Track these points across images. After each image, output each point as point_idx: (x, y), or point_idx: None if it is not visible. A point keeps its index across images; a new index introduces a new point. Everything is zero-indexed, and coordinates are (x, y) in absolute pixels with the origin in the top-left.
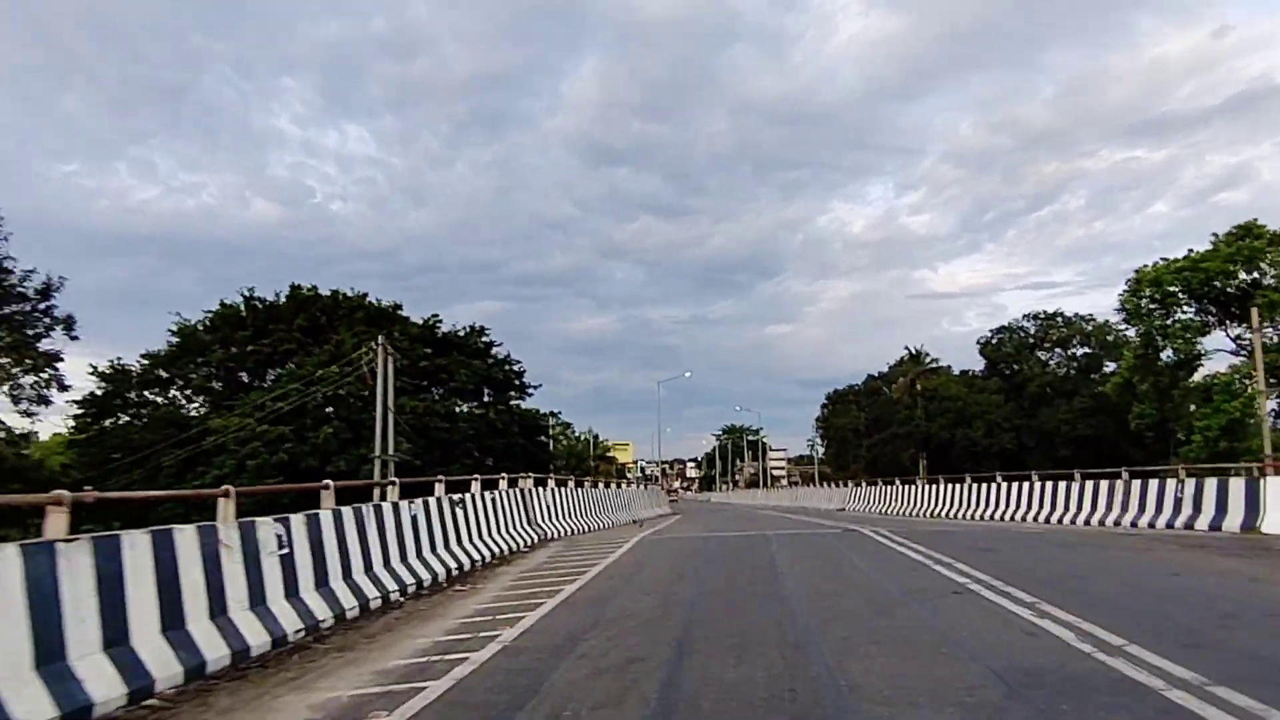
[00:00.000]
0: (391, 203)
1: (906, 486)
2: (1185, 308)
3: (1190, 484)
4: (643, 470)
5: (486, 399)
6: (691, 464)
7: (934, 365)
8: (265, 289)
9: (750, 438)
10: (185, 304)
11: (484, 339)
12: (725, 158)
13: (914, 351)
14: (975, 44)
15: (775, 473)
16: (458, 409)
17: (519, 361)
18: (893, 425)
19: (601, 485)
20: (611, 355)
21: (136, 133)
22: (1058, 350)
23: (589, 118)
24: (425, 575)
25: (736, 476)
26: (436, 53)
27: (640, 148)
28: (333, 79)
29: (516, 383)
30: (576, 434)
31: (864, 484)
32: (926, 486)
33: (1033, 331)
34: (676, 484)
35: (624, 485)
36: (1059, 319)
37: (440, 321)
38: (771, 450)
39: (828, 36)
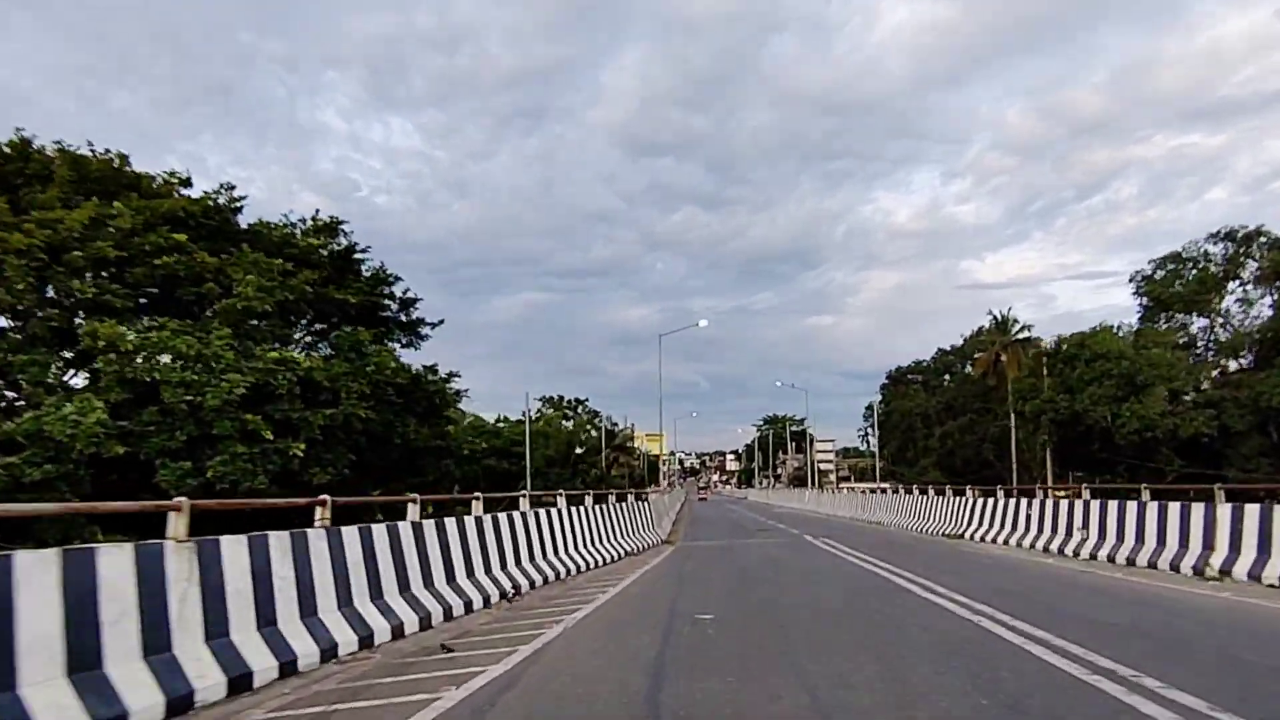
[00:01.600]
0: (435, 196)
1: (1083, 504)
2: None
3: None
4: (681, 462)
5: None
6: (731, 456)
7: (1025, 335)
8: None
9: (794, 428)
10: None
11: (338, 243)
12: (768, 148)
13: (999, 318)
14: (1024, 29)
15: (822, 466)
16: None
17: (396, 279)
18: (972, 410)
19: (587, 508)
20: (652, 346)
21: (188, 129)
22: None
23: (631, 110)
24: None
25: (779, 470)
26: (480, 46)
27: (683, 139)
28: (377, 73)
29: (397, 318)
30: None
31: (974, 494)
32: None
33: (1220, 259)
34: (714, 477)
35: (628, 499)
36: (1262, 238)
37: (241, 201)
38: (819, 441)
39: (872, 25)
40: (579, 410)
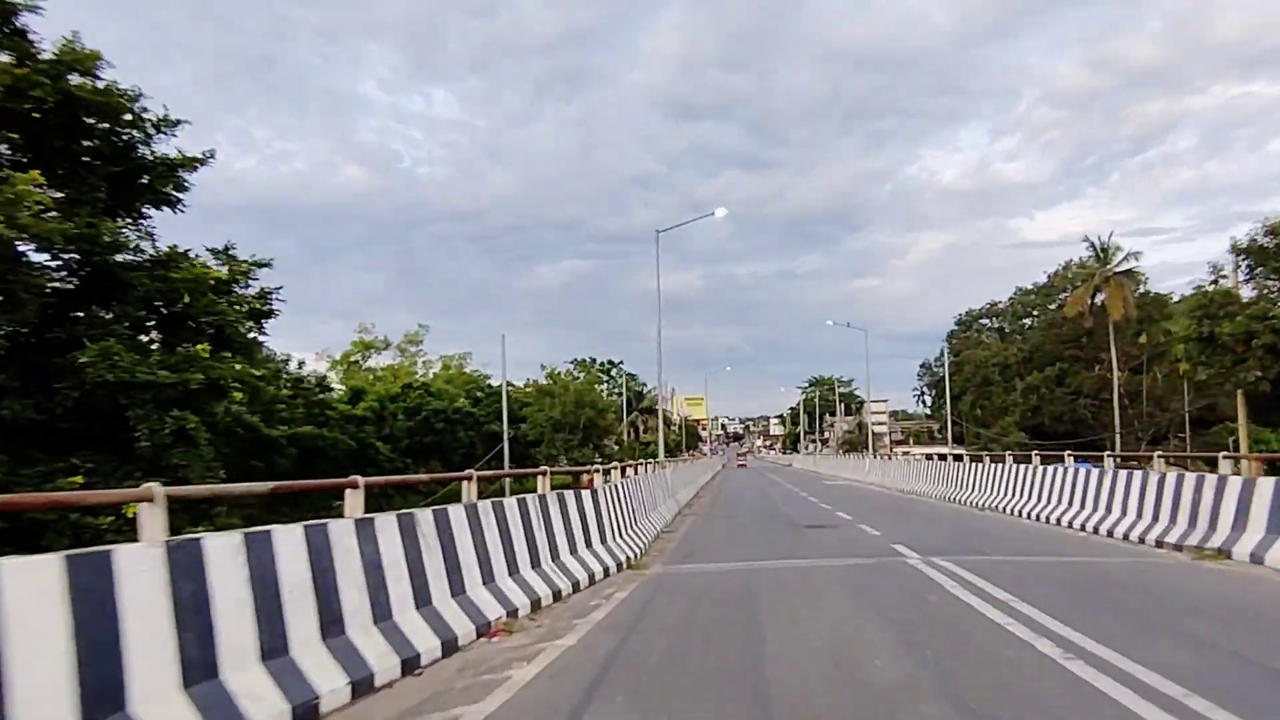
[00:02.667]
0: (476, 164)
1: None
2: None
3: None
4: (723, 428)
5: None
6: (775, 420)
7: (1129, 268)
8: (357, 253)
9: (841, 389)
10: (286, 270)
11: None
12: (809, 108)
13: (1098, 248)
14: None
15: (876, 429)
16: None
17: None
18: (1062, 359)
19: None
20: (696, 312)
21: (233, 104)
22: None
23: (670, 72)
24: None
25: (826, 434)
26: (517, 10)
27: (722, 101)
28: (416, 41)
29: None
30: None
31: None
32: None
33: None
34: (757, 443)
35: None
36: None
37: None
38: (871, 403)
39: None
40: (612, 373)
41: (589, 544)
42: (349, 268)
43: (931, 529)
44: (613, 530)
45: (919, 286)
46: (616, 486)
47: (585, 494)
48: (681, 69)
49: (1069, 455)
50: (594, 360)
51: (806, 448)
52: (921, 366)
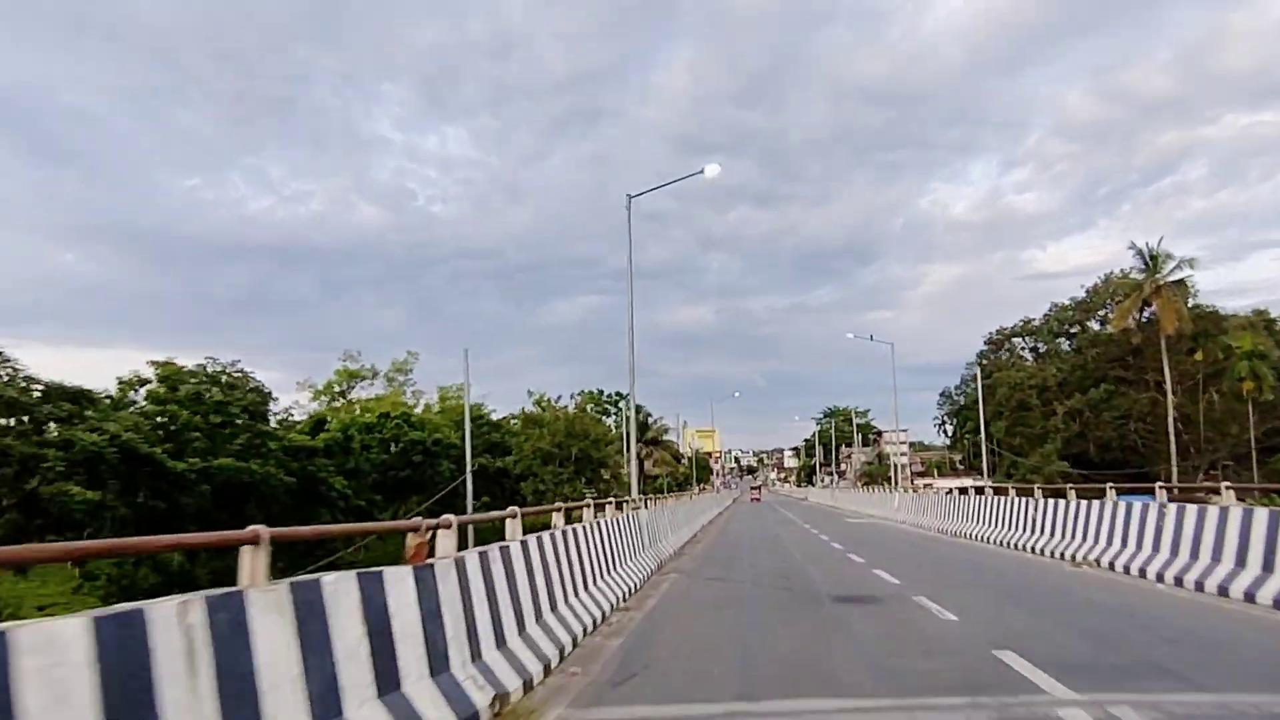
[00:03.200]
0: (491, 201)
1: None
2: None
3: None
4: (737, 460)
5: None
6: (789, 453)
7: (1180, 276)
8: (374, 291)
9: (858, 419)
10: (301, 308)
11: None
12: (821, 142)
13: (1147, 256)
14: (1084, 8)
15: (898, 459)
16: None
17: None
18: (1108, 380)
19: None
20: (709, 346)
21: (250, 144)
22: None
23: (682, 108)
24: None
25: (843, 466)
26: (531, 51)
27: (734, 136)
28: (431, 83)
29: None
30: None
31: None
32: None
33: None
34: (771, 475)
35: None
36: None
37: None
38: (890, 432)
39: (925, 10)
40: (620, 405)
41: (434, 668)
42: (366, 306)
43: (1034, 606)
44: (501, 632)
45: (931, 319)
46: (530, 548)
47: (441, 570)
48: (693, 105)
49: (1110, 489)
50: (601, 391)
51: (822, 480)
52: (941, 395)
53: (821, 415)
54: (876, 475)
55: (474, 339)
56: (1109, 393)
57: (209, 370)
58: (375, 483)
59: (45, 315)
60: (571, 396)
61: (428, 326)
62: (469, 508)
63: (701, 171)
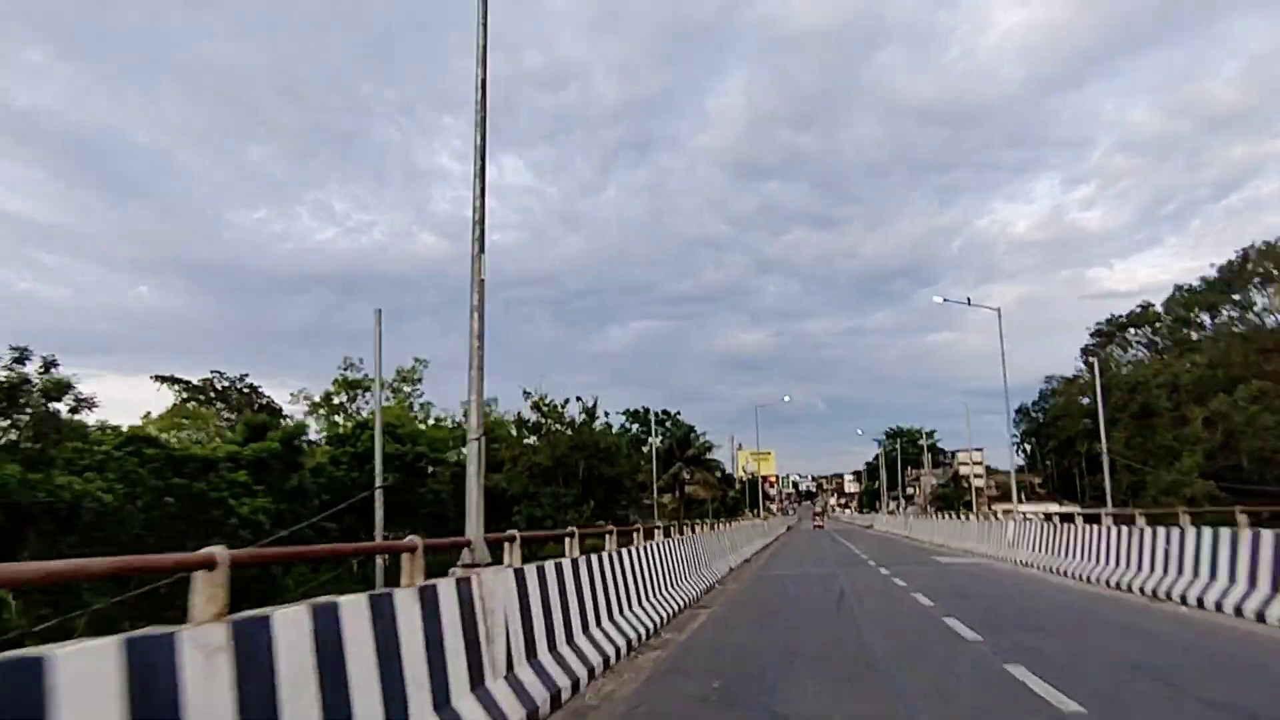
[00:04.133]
0: (548, 231)
1: None
2: None
3: None
4: (795, 486)
5: None
6: (850, 477)
7: None
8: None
9: (923, 441)
10: (363, 337)
11: None
12: (877, 164)
13: None
14: (1146, 22)
15: (975, 480)
16: None
17: None
18: (1264, 375)
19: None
20: (766, 370)
21: (314, 178)
22: None
23: (736, 133)
24: None
25: (910, 490)
26: (586, 81)
27: (789, 159)
28: (489, 114)
29: None
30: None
31: None
32: None
33: None
34: (830, 501)
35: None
36: None
37: None
38: (963, 451)
39: (983, 29)
40: (667, 424)
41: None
42: (426, 333)
43: None
44: None
45: (994, 340)
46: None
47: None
48: (747, 130)
49: None
50: (646, 410)
51: (887, 505)
52: (1018, 413)
53: (884, 436)
54: (951, 500)
55: (530, 365)
56: (1262, 391)
57: (216, 385)
58: (329, 504)
59: (120, 347)
60: (577, 399)
61: (487, 353)
62: (376, 536)
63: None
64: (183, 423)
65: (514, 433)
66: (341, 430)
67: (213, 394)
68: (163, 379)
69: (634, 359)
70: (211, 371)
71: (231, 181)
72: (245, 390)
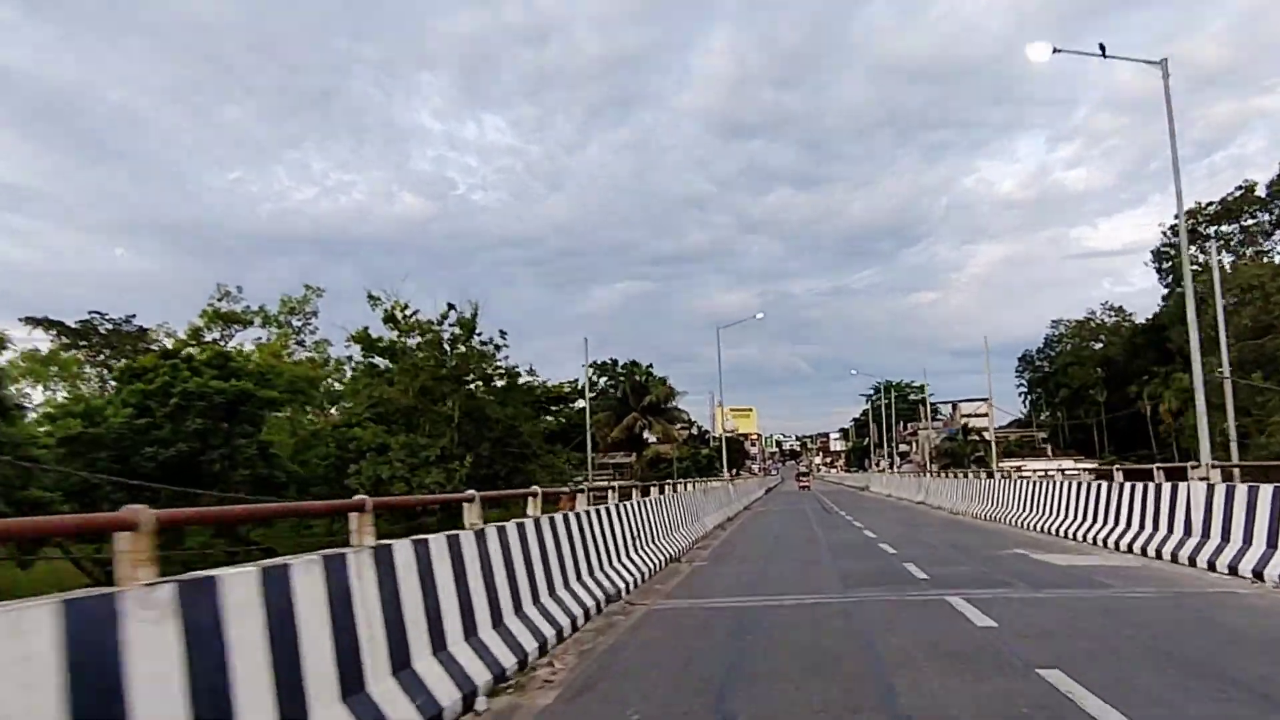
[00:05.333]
0: (530, 190)
1: None
2: None
3: None
4: (778, 445)
5: None
6: (836, 435)
7: None
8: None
9: (914, 397)
10: (342, 299)
11: None
12: (863, 123)
13: None
14: None
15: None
16: None
17: None
18: None
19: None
20: (751, 330)
21: (292, 137)
22: None
23: (721, 91)
24: None
25: (903, 446)
26: (568, 37)
27: (774, 118)
28: (469, 72)
29: None
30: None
31: None
32: None
33: None
34: (815, 460)
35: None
36: None
37: None
38: (967, 402)
39: None
40: (637, 377)
41: None
42: (407, 295)
43: None
44: None
45: (980, 299)
46: None
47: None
48: (732, 89)
49: None
50: (614, 361)
51: (878, 464)
52: (1021, 361)
53: (872, 391)
54: (960, 455)
55: (514, 326)
56: None
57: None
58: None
59: (97, 309)
60: (450, 306)
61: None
62: None
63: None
64: (46, 370)
65: (359, 357)
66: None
67: (95, 338)
68: (34, 321)
69: (619, 320)
70: (90, 313)
71: (206, 141)
72: (133, 333)
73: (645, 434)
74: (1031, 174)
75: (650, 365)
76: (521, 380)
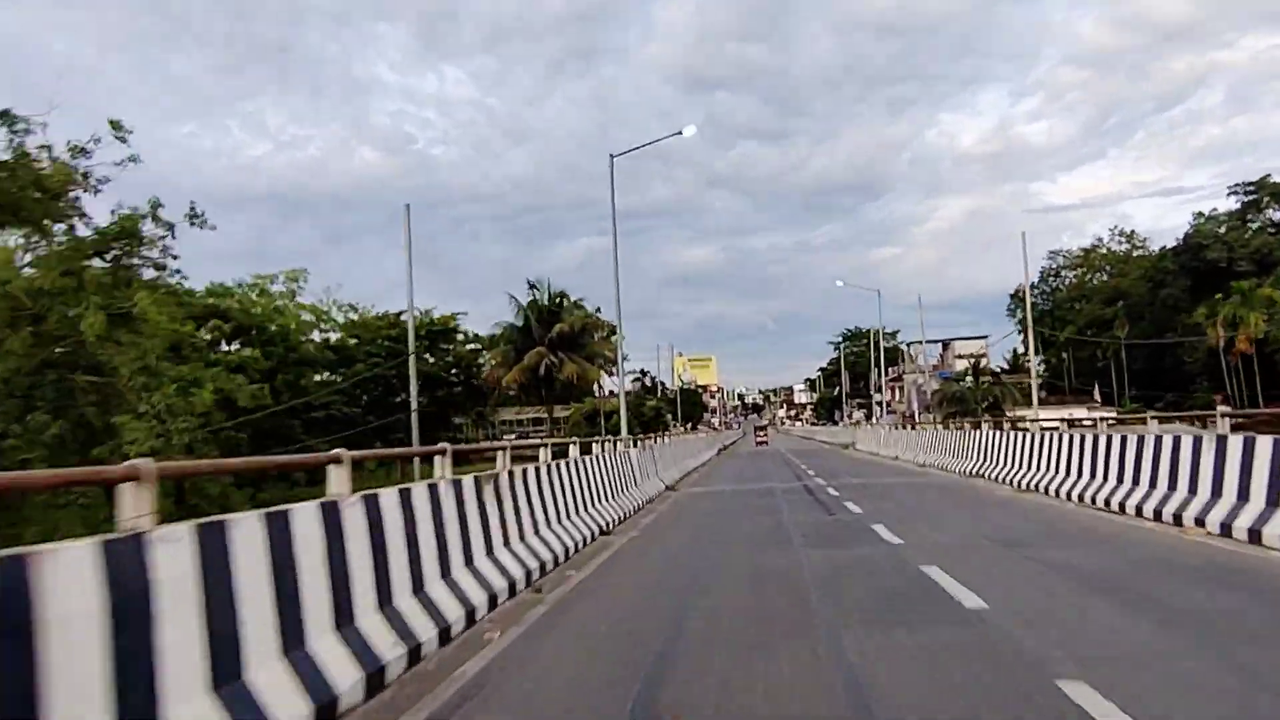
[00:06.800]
0: (492, 144)
1: None
2: None
3: None
4: (741, 398)
5: None
6: (800, 388)
7: None
8: (376, 238)
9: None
10: (303, 257)
11: None
12: (827, 76)
13: None
14: None
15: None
16: None
17: None
18: None
19: None
20: (713, 286)
21: (245, 91)
22: None
23: (685, 44)
24: None
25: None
26: None
27: (739, 72)
28: (427, 22)
29: None
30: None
31: None
32: None
33: None
34: (778, 413)
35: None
36: None
37: None
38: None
39: None
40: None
41: None
42: (368, 252)
43: None
44: None
45: (941, 254)
46: None
47: None
48: (696, 41)
49: None
50: (561, 296)
51: (850, 415)
52: (1013, 298)
53: (840, 338)
54: (970, 403)
55: (478, 284)
56: None
57: None
58: None
59: None
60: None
61: (431, 273)
62: None
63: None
64: None
65: None
66: None
67: None
68: None
69: (583, 276)
70: None
71: (156, 94)
72: None
73: (556, 376)
74: (994, 127)
75: (565, 294)
76: None
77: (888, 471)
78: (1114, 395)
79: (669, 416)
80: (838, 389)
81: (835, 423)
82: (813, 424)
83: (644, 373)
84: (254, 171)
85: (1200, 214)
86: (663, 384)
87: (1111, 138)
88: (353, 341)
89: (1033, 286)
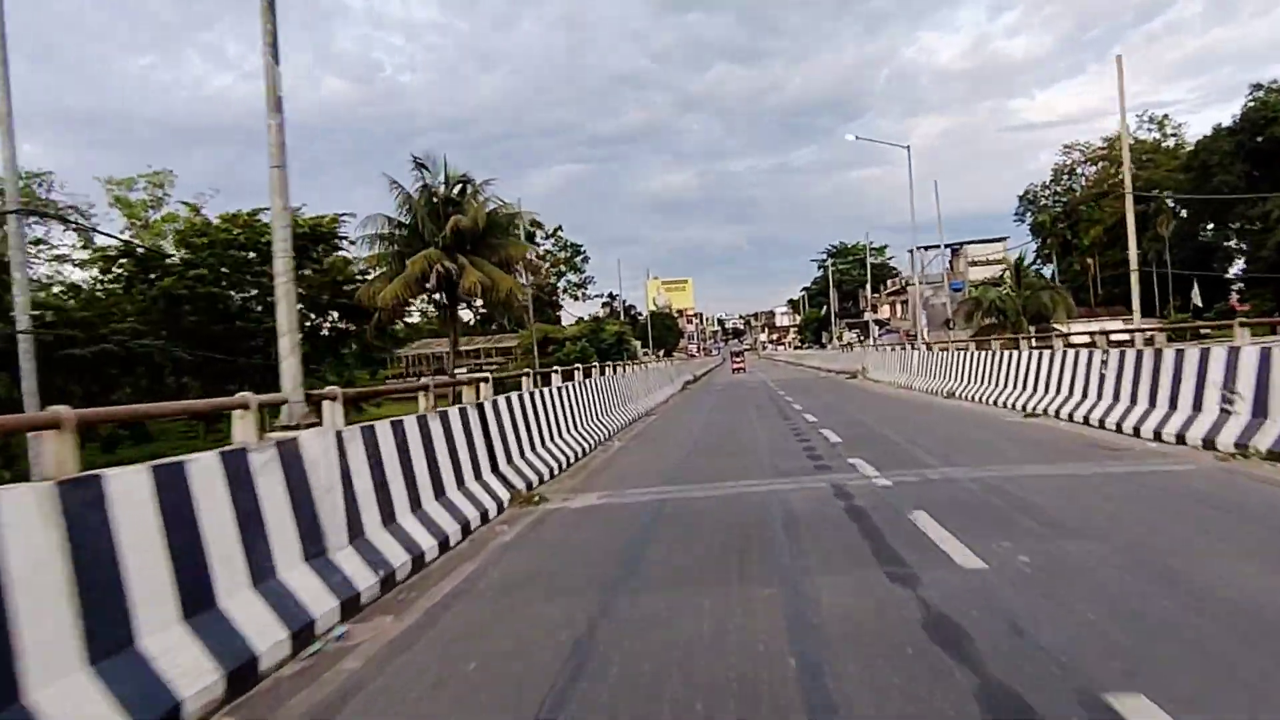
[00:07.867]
0: (461, 70)
1: None
2: None
3: None
4: (720, 323)
5: None
6: (782, 311)
7: None
8: (347, 169)
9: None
10: (266, 192)
11: None
12: None
13: None
14: None
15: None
16: None
17: None
18: None
19: None
20: (693, 212)
21: (204, 17)
22: None
23: None
24: None
25: (884, 309)
26: None
27: None
28: None
29: None
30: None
31: None
32: None
33: None
34: (759, 338)
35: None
36: None
37: None
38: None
39: None
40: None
41: None
42: (338, 183)
43: None
44: None
45: (920, 174)
46: None
47: None
48: None
49: None
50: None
51: (838, 339)
52: (1023, 200)
53: (824, 255)
54: (1011, 312)
55: None
56: None
57: None
58: None
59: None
60: None
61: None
62: None
63: None
64: None
65: None
66: None
67: None
68: None
69: (558, 204)
70: None
71: (113, 24)
72: None
73: (460, 282)
74: (972, 43)
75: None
76: None
77: (888, 414)
78: (1155, 305)
79: (637, 344)
80: (825, 308)
81: (823, 346)
82: (798, 348)
83: (613, 296)
84: (216, 102)
85: (1259, 84)
86: (633, 308)
87: (1091, 51)
88: (181, 252)
89: (1044, 186)
